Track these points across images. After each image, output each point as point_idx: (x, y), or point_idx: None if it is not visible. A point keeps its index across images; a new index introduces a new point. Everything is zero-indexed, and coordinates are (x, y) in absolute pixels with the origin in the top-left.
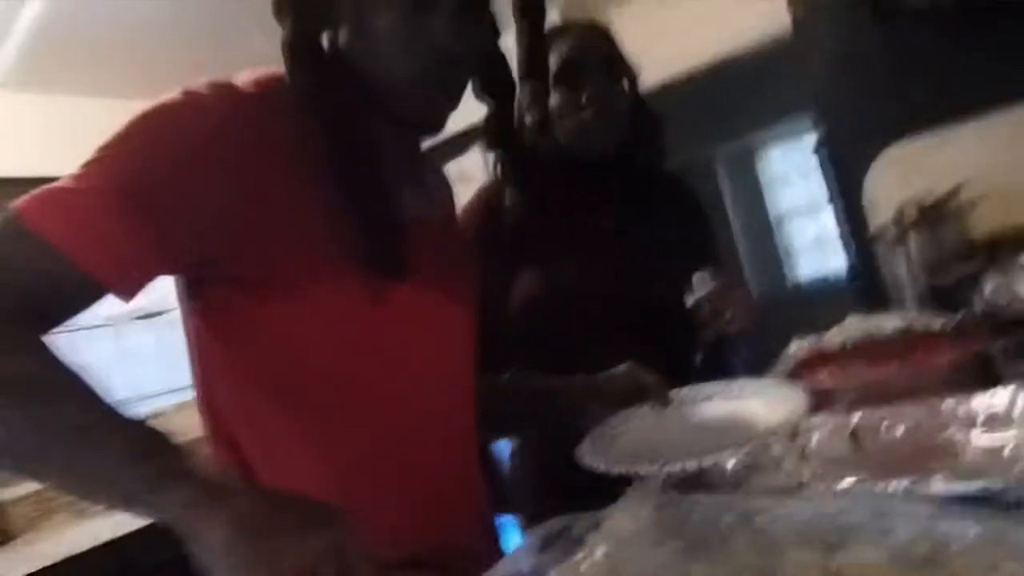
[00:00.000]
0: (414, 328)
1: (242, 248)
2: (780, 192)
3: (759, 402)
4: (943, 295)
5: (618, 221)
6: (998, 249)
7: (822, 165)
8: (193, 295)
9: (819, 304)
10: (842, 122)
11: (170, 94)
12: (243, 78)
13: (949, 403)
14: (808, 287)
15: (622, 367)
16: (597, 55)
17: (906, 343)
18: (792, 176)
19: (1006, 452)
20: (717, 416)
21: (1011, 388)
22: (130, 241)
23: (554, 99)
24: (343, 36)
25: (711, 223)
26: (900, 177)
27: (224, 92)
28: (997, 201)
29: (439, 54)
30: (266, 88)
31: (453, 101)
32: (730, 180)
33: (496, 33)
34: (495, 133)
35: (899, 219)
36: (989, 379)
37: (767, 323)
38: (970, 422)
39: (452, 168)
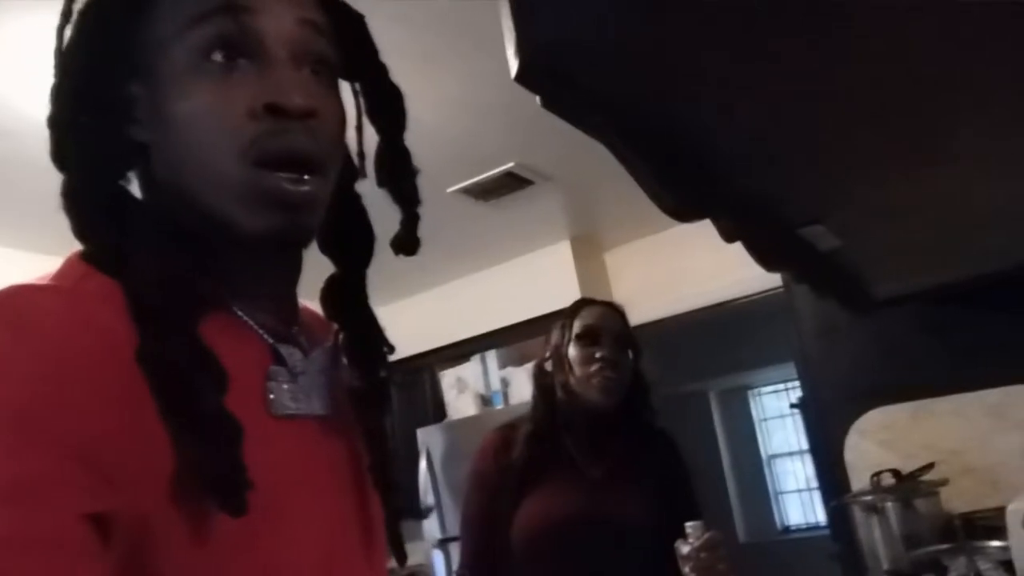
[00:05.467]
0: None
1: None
2: (771, 432)
3: None
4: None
5: (605, 471)
6: (969, 530)
7: (805, 419)
8: None
9: (803, 550)
10: (823, 383)
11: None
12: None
13: None
14: (793, 531)
15: None
16: (613, 326)
17: None
18: (783, 418)
19: None
20: None
21: None
22: None
23: (572, 353)
24: (153, 148)
25: (686, 471)
26: (879, 442)
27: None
28: (970, 481)
29: (269, 109)
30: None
31: (308, 185)
32: (722, 415)
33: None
34: (331, 302)
35: (875, 486)
36: None
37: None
38: None
39: (450, 375)
